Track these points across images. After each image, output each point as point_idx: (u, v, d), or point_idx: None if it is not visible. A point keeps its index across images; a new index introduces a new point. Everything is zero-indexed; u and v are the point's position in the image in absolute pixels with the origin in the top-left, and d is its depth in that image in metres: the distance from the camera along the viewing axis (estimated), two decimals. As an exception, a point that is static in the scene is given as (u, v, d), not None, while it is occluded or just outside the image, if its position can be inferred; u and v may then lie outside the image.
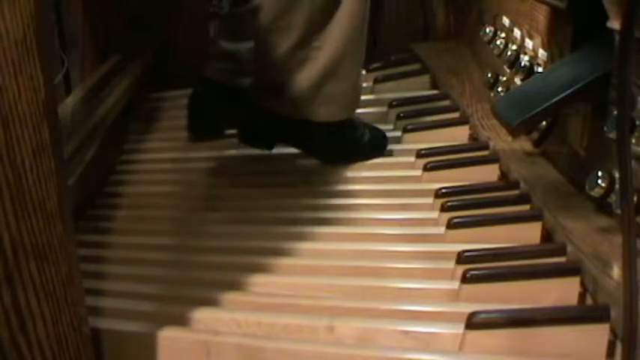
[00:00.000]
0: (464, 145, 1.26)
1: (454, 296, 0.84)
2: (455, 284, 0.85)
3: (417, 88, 1.58)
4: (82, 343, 0.64)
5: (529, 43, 1.21)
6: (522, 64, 1.20)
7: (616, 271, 0.78)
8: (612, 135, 0.83)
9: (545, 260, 0.87)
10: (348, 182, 1.22)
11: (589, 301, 0.81)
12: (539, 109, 0.95)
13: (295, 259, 0.98)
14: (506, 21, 1.35)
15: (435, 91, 1.55)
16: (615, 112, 0.83)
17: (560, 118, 1.06)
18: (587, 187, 0.87)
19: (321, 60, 1.17)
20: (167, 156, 1.43)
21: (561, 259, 0.86)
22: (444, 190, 1.08)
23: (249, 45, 1.28)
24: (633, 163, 0.75)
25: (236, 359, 0.76)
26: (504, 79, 1.26)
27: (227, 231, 1.09)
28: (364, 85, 1.57)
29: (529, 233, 0.95)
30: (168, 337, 0.78)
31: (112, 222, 1.17)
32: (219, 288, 0.89)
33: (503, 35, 1.34)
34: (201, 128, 1.46)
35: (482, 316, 0.75)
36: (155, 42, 1.80)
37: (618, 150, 0.64)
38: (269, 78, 1.21)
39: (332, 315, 0.81)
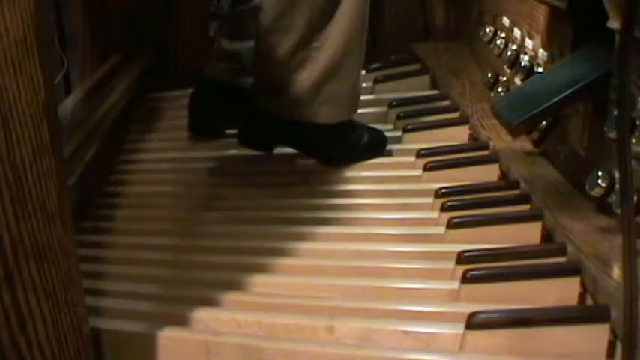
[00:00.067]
0: (464, 145, 1.25)
1: (454, 296, 0.84)
2: (455, 284, 0.85)
3: (417, 88, 1.58)
4: (82, 343, 0.64)
5: (529, 43, 1.21)
6: (522, 64, 1.20)
7: (616, 271, 0.78)
8: (612, 135, 0.83)
9: (545, 260, 0.87)
10: (348, 182, 1.22)
11: (589, 301, 0.81)
12: (539, 109, 0.95)
13: (295, 259, 0.98)
14: (506, 21, 1.35)
15: (435, 91, 1.54)
16: (615, 112, 0.83)
17: (560, 118, 1.06)
18: (587, 187, 0.87)
19: (321, 60, 1.17)
20: (167, 156, 1.43)
21: (561, 259, 0.86)
22: (444, 190, 1.08)
23: (249, 44, 1.28)
24: (633, 163, 0.75)
25: (236, 359, 0.76)
26: (504, 79, 1.26)
27: (227, 231, 1.09)
28: (364, 85, 1.57)
29: (529, 233, 0.95)
30: (168, 337, 0.78)
31: (112, 222, 1.17)
32: (219, 288, 0.89)
33: (503, 35, 1.34)
34: (202, 128, 1.46)
35: (482, 316, 0.75)
36: (155, 42, 1.80)
37: (618, 150, 0.64)
38: (269, 78, 1.21)
39: (332, 315, 0.81)
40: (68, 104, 1.44)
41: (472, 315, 0.75)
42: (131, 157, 1.45)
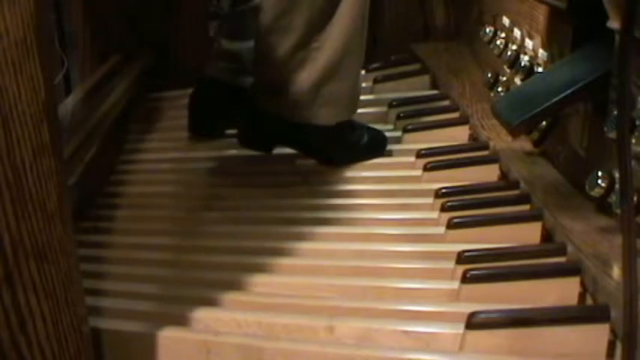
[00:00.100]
0: (464, 145, 1.25)
1: (454, 296, 0.84)
2: (455, 284, 0.85)
3: (417, 88, 1.58)
4: (82, 343, 0.64)
5: (529, 43, 1.21)
6: (522, 64, 1.20)
7: (616, 271, 0.78)
8: (612, 135, 0.83)
9: (545, 260, 0.87)
10: (348, 182, 1.22)
11: (589, 301, 0.81)
12: (539, 109, 0.95)
13: (295, 259, 0.98)
14: (506, 21, 1.35)
15: (435, 91, 1.54)
16: (615, 112, 0.83)
17: (560, 118, 1.06)
18: (587, 187, 0.87)
19: (321, 60, 1.17)
20: (167, 156, 1.43)
21: (561, 259, 0.86)
22: (444, 190, 1.08)
23: (249, 44, 1.28)
24: (633, 163, 0.75)
25: (236, 359, 0.76)
26: (504, 79, 1.26)
27: (227, 231, 1.09)
28: (364, 85, 1.57)
29: (529, 233, 0.95)
30: (168, 337, 0.78)
31: (112, 222, 1.17)
32: (219, 288, 0.89)
33: (503, 35, 1.34)
34: (202, 128, 1.46)
35: (482, 316, 0.75)
36: (155, 42, 1.80)
37: (618, 150, 0.64)
38: (269, 78, 1.21)
39: (332, 315, 0.81)
40: (68, 104, 1.44)
41: (472, 315, 0.75)
42: (131, 157, 1.45)
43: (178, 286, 0.92)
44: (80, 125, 1.27)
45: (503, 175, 1.13)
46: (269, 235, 1.05)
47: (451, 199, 1.04)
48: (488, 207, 1.01)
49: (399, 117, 1.40)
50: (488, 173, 1.14)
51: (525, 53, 1.22)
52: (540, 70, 1.16)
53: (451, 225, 0.98)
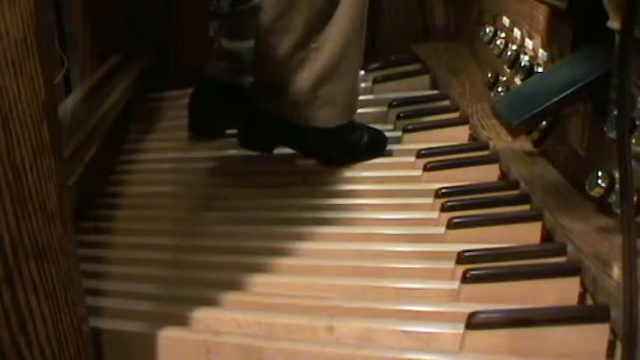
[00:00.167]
0: (464, 145, 1.25)
1: (454, 296, 0.84)
2: (455, 284, 0.85)
3: (417, 88, 1.58)
4: (82, 343, 0.64)
5: (529, 43, 1.21)
6: (522, 64, 1.20)
7: (616, 271, 0.78)
8: (612, 135, 0.83)
9: (545, 260, 0.87)
10: (348, 182, 1.22)
11: (589, 301, 0.81)
12: (539, 109, 0.95)
13: (295, 259, 0.98)
14: (506, 21, 1.35)
15: (435, 91, 1.54)
16: (615, 112, 0.83)
17: (560, 118, 1.06)
18: (587, 187, 0.87)
19: (320, 61, 1.17)
20: (167, 156, 1.43)
21: (561, 259, 0.86)
22: (444, 190, 1.08)
23: (250, 44, 1.28)
24: (633, 163, 0.75)
25: (236, 359, 0.76)
26: (504, 79, 1.26)
27: (227, 231, 1.09)
28: (364, 85, 1.58)
29: (529, 233, 0.95)
30: (168, 337, 0.78)
31: (112, 222, 1.17)
32: (219, 288, 0.89)
33: (503, 35, 1.34)
34: (202, 128, 1.46)
35: (482, 316, 0.75)
36: (155, 42, 1.80)
37: (618, 150, 0.64)
38: (269, 78, 1.21)
39: (332, 315, 0.81)
40: (68, 104, 1.44)
41: (472, 315, 0.75)
42: (131, 157, 1.45)
43: (178, 286, 0.92)
44: (80, 125, 1.27)
45: (503, 175, 1.13)
46: (269, 235, 1.05)
47: (451, 199, 1.04)
48: (488, 207, 1.01)
49: (399, 117, 1.40)
50: (488, 173, 1.14)
51: (525, 53, 1.22)
52: (540, 70, 1.16)
53: (451, 225, 0.98)
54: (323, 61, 1.17)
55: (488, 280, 0.83)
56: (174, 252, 1.03)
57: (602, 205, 0.90)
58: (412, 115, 1.39)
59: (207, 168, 1.32)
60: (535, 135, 1.14)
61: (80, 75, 1.79)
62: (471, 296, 0.83)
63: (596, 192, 0.86)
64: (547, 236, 0.94)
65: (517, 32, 1.27)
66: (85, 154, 1.21)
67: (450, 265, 0.89)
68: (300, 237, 1.02)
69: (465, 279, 0.84)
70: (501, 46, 1.30)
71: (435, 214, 1.04)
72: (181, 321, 0.82)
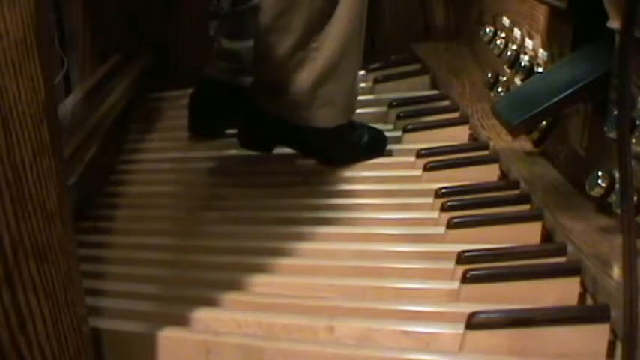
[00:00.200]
0: (464, 145, 1.25)
1: (454, 296, 0.84)
2: (455, 284, 0.85)
3: (417, 88, 1.58)
4: (82, 343, 0.64)
5: (529, 43, 1.21)
6: (522, 64, 1.20)
7: (616, 271, 0.78)
8: (612, 135, 0.83)
9: (545, 260, 0.87)
10: (348, 182, 1.22)
11: (589, 301, 0.81)
12: (539, 109, 0.95)
13: (295, 259, 0.98)
14: (506, 21, 1.35)
15: (435, 91, 1.54)
16: (615, 112, 0.83)
17: (560, 118, 1.06)
18: (587, 187, 0.87)
19: (319, 61, 1.17)
20: (167, 156, 1.43)
21: (561, 259, 0.86)
22: (444, 190, 1.08)
23: (250, 44, 1.28)
24: (633, 163, 0.75)
25: (236, 359, 0.76)
26: (504, 79, 1.26)
27: (227, 231, 1.09)
28: (364, 85, 1.58)
29: (529, 233, 0.95)
30: (168, 337, 0.78)
31: (112, 222, 1.17)
32: (219, 288, 0.89)
33: (503, 35, 1.34)
34: (201, 128, 1.46)
35: (482, 316, 0.75)
36: (155, 42, 1.80)
37: (618, 150, 0.64)
38: (269, 78, 1.21)
39: (332, 315, 0.81)
40: (68, 104, 1.44)
41: (472, 315, 0.75)
42: (131, 157, 1.45)
43: (178, 286, 0.92)
44: (80, 125, 1.27)
45: (503, 175, 1.13)
46: (269, 235, 1.05)
47: (451, 199, 1.04)
48: (488, 207, 1.01)
49: (399, 117, 1.40)
50: (488, 173, 1.14)
51: (525, 53, 1.22)
52: (540, 70, 1.16)
53: (451, 225, 0.98)
54: (323, 61, 1.17)
55: (488, 280, 0.83)
56: (174, 252, 1.03)
57: (602, 205, 0.90)
58: (412, 115, 1.39)
59: (207, 168, 1.32)
60: (535, 135, 1.14)
61: (80, 75, 1.79)
62: (471, 296, 0.83)
63: (596, 192, 0.86)
64: (547, 236, 0.94)
65: (517, 32, 1.27)
66: (85, 154, 1.21)
67: (450, 265, 0.89)
68: (300, 237, 1.02)
69: (465, 279, 0.84)
70: (501, 46, 1.30)
71: (435, 214, 1.04)
72: (181, 321, 0.82)
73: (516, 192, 1.04)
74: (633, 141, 0.79)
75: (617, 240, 0.69)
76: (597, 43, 0.93)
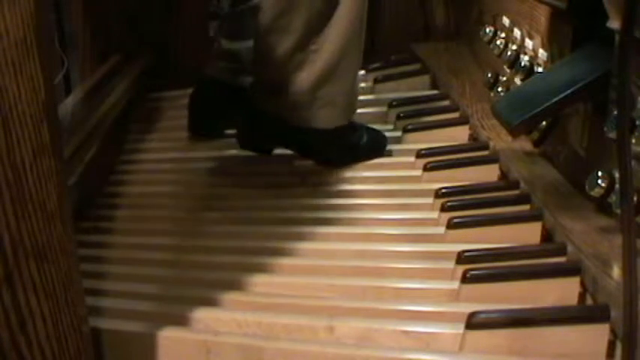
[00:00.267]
0: (464, 145, 1.25)
1: (454, 296, 0.84)
2: (455, 284, 0.85)
3: (417, 88, 1.58)
4: (82, 343, 0.64)
5: (529, 43, 1.21)
6: (522, 64, 1.20)
7: (616, 271, 0.78)
8: (612, 135, 0.83)
9: (545, 260, 0.87)
10: (348, 182, 1.22)
11: (589, 301, 0.81)
12: (539, 109, 0.95)
13: (295, 259, 0.98)
14: (506, 21, 1.35)
15: (435, 91, 1.54)
16: (615, 112, 0.83)
17: (560, 118, 1.06)
18: (587, 187, 0.87)
19: (319, 63, 1.17)
20: (167, 156, 1.43)
21: (561, 259, 0.86)
22: (444, 190, 1.08)
23: (250, 44, 1.28)
24: (633, 163, 0.75)
25: (236, 359, 0.76)
26: (504, 79, 1.26)
27: (227, 231, 1.09)
28: (364, 85, 1.58)
29: (529, 233, 0.95)
30: (168, 337, 0.78)
31: (112, 222, 1.17)
32: (219, 288, 0.89)
33: (503, 35, 1.34)
34: (201, 128, 1.46)
35: (482, 316, 0.75)
36: (155, 42, 1.80)
37: (618, 150, 0.64)
38: (269, 78, 1.21)
39: (332, 315, 0.81)
40: (68, 104, 1.44)
41: (472, 315, 0.75)
42: (131, 157, 1.45)
43: (178, 286, 0.92)
44: (80, 125, 1.27)
45: (503, 175, 1.13)
46: (269, 235, 1.05)
47: (451, 199, 1.04)
48: (488, 207, 1.01)
49: (399, 117, 1.40)
50: (488, 173, 1.14)
51: (525, 53, 1.22)
52: (540, 70, 1.16)
53: (451, 225, 0.98)
54: (322, 63, 1.17)
55: (488, 280, 0.83)
56: (174, 252, 1.03)
57: (602, 205, 0.90)
58: (412, 115, 1.39)
59: (207, 168, 1.32)
60: (535, 135, 1.14)
61: (80, 75, 1.79)
62: (471, 296, 0.83)
63: (596, 192, 0.86)
64: (547, 236, 0.94)
65: (517, 32, 1.27)
66: (85, 154, 1.21)
67: (450, 265, 0.89)
68: (300, 237, 1.02)
69: (465, 279, 0.84)
70: (501, 46, 1.30)
71: (435, 214, 1.04)
72: (181, 321, 0.82)
73: (516, 192, 1.04)
74: (633, 141, 0.79)
75: (617, 240, 0.69)
76: (597, 43, 0.93)
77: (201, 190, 1.26)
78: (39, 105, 0.56)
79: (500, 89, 1.25)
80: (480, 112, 1.32)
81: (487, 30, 1.40)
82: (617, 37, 0.79)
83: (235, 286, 0.90)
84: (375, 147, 1.28)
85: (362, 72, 1.54)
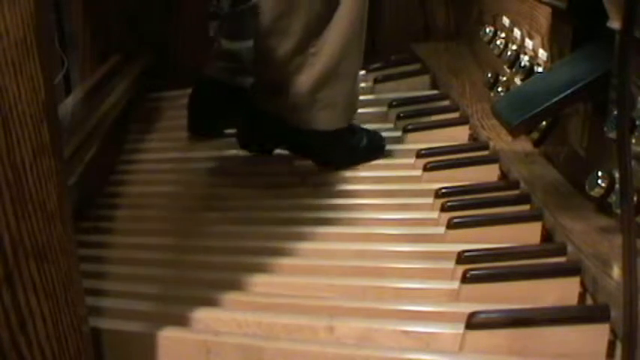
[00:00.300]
0: (464, 145, 1.25)
1: (454, 296, 0.84)
2: (455, 284, 0.85)
3: (417, 88, 1.58)
4: (82, 343, 0.64)
5: (529, 43, 1.21)
6: (522, 64, 1.20)
7: (616, 271, 0.78)
8: (612, 135, 0.83)
9: (545, 260, 0.87)
10: (348, 182, 1.22)
11: (589, 301, 0.81)
12: (539, 109, 0.95)
13: (295, 259, 0.98)
14: (506, 21, 1.35)
15: (435, 91, 1.55)
16: (615, 112, 0.83)
17: (560, 118, 1.06)
18: (587, 187, 0.87)
19: (318, 66, 1.17)
20: (167, 156, 1.43)
21: (561, 259, 0.86)
22: (444, 190, 1.08)
23: (249, 44, 1.28)
24: (633, 163, 0.75)
25: (236, 359, 0.76)
26: (504, 79, 1.26)
27: (227, 231, 1.09)
28: (364, 85, 1.58)
29: (529, 233, 0.95)
30: (168, 337, 0.78)
31: (112, 222, 1.17)
32: (219, 288, 0.89)
33: (503, 35, 1.34)
34: (201, 128, 1.46)
35: (482, 316, 0.75)
36: (155, 42, 1.80)
37: (618, 150, 0.64)
38: (269, 78, 1.21)
39: (332, 315, 0.81)
40: (68, 104, 1.44)
41: (472, 315, 0.75)
42: (131, 157, 1.45)
43: (178, 286, 0.92)
44: (80, 125, 1.27)
45: (503, 175, 1.13)
46: (269, 235, 1.05)
47: (451, 199, 1.04)
48: (488, 207, 1.01)
49: (399, 117, 1.40)
50: (488, 173, 1.14)
51: (525, 53, 1.22)
52: (540, 70, 1.16)
53: (451, 225, 0.98)
54: (321, 66, 1.17)
55: (488, 280, 0.83)
56: (174, 252, 1.03)
57: (602, 205, 0.90)
58: (412, 115, 1.39)
59: (207, 168, 1.32)
60: (535, 135, 1.14)
61: (80, 75, 1.79)
62: (471, 296, 0.83)
63: (596, 192, 0.86)
64: (547, 236, 0.94)
65: (517, 32, 1.27)
66: (85, 154, 1.21)
67: (450, 265, 0.89)
68: (300, 237, 1.02)
69: (465, 279, 0.84)
70: (501, 46, 1.30)
71: (435, 214, 1.04)
72: (181, 321, 0.82)
73: (516, 192, 1.04)
74: (633, 141, 0.79)
75: (617, 240, 0.69)
76: (597, 43, 0.93)
77: (201, 190, 1.26)
78: (39, 105, 0.56)
79: (500, 89, 1.25)
80: (479, 112, 1.32)
81: (487, 30, 1.40)
82: (617, 37, 0.79)
83: (235, 286, 0.90)
84: (374, 149, 1.28)
85: (362, 72, 1.53)
